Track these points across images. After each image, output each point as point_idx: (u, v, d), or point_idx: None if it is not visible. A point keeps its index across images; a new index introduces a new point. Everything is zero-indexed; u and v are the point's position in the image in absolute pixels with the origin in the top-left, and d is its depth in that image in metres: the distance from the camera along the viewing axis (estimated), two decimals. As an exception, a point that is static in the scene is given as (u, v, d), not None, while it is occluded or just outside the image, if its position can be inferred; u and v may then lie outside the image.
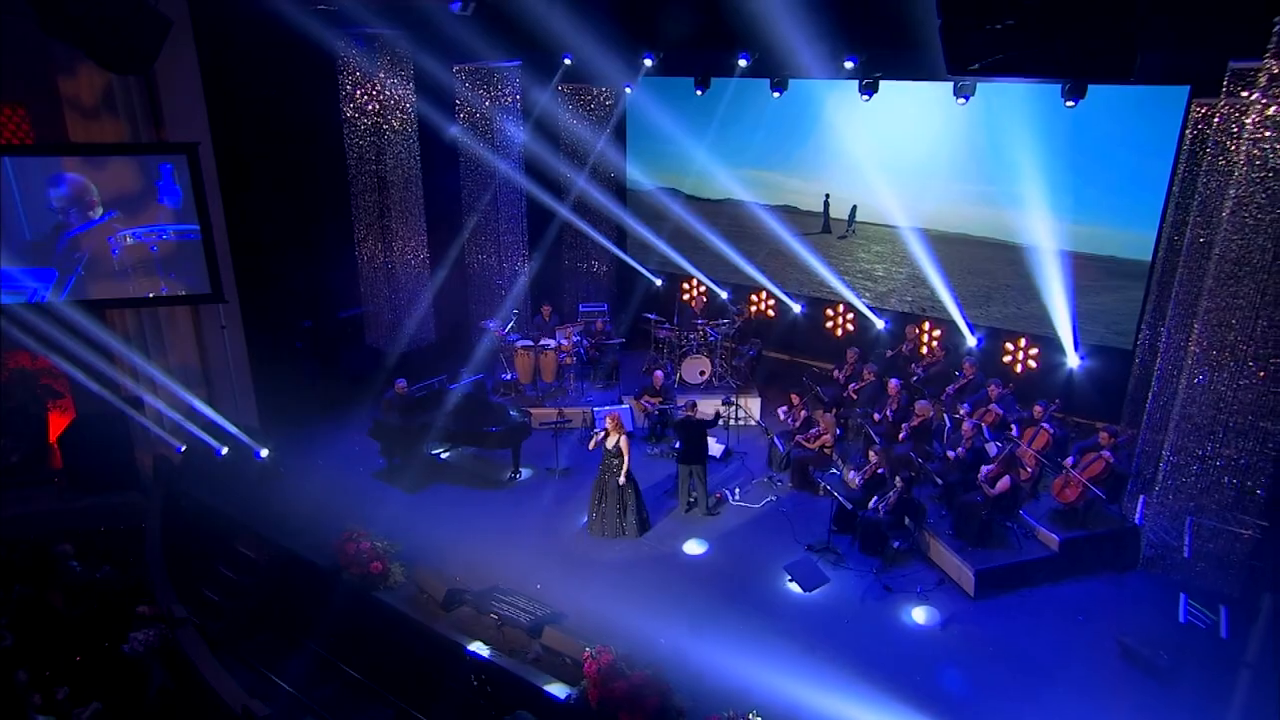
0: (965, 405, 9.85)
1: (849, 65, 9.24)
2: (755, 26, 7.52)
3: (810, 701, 6.67)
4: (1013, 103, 10.12)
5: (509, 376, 11.73)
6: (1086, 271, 10.34)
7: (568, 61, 11.23)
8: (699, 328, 11.85)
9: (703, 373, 11.68)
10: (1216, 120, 7.55)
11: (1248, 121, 6.51)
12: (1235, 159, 6.77)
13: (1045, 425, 9.18)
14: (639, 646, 7.08)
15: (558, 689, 6.89)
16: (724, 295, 13.08)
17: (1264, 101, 6.30)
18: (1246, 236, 6.63)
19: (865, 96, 10.40)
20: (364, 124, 11.26)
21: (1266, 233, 6.51)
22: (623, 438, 8.84)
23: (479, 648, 7.31)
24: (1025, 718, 6.74)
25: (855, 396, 10.72)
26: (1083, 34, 5.09)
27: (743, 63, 9.83)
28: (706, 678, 6.95)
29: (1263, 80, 6.25)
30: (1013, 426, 9.45)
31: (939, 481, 8.99)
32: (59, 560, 8.80)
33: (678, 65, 11.25)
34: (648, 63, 10.53)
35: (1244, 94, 6.59)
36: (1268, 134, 6.32)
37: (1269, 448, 7.01)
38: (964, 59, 5.46)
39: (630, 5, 9.44)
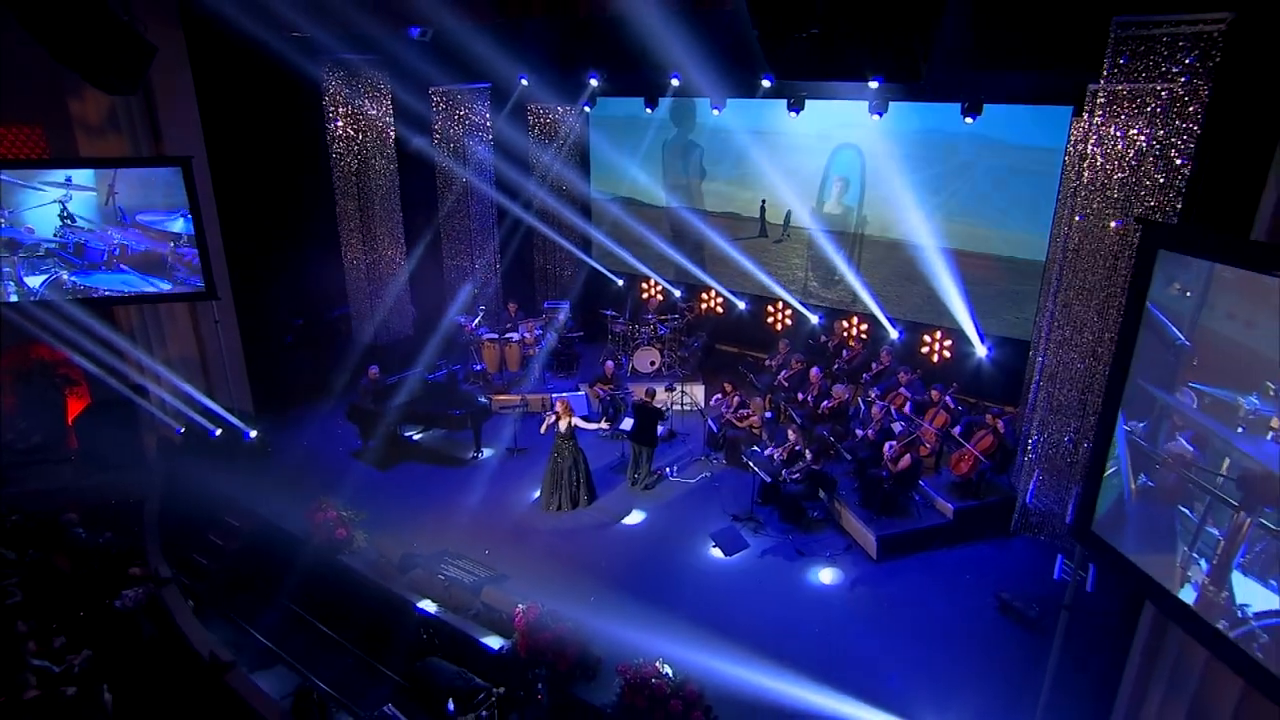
0: (876, 390, 10.04)
1: (766, 84, 9.39)
2: (673, 51, 7.69)
3: (718, 652, 6.84)
4: (936, 117, 10.20)
5: (479, 367, 11.95)
6: (1000, 272, 10.47)
7: (524, 82, 11.40)
8: (650, 322, 12.05)
9: (653, 363, 11.89)
10: (1079, 137, 7.71)
11: (1091, 138, 6.69)
12: (1083, 172, 6.94)
13: (945, 404, 9.38)
14: (570, 604, 7.26)
15: (493, 640, 7.09)
16: (677, 293, 13.29)
17: (1101, 121, 6.47)
18: (1093, 240, 6.82)
19: (793, 113, 10.59)
20: (345, 139, 11.47)
21: (1105, 235, 6.70)
22: (574, 420, 9.04)
23: (427, 605, 7.51)
24: (914, 662, 6.97)
25: (786, 384, 10.91)
26: (874, 42, 5.26)
27: (675, 82, 10.01)
28: (628, 631, 7.09)
29: (1100, 100, 6.42)
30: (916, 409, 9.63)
31: (849, 457, 9.19)
32: (66, 528, 9.05)
33: (622, 85, 11.41)
34: (593, 82, 10.70)
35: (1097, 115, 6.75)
36: (1097, 149, 6.50)
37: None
38: (783, 65, 5.64)
39: (564, 30, 9.58)
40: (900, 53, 5.26)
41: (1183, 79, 5.88)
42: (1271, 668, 3.60)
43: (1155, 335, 4.30)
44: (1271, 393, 3.57)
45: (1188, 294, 4.08)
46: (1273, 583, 3.66)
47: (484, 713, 5.74)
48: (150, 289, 9.68)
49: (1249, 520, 3.76)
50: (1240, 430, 3.78)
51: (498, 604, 7.45)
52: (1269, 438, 3.59)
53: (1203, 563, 4.13)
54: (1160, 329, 4.26)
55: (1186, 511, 4.22)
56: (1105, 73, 6.15)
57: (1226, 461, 3.89)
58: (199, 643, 6.96)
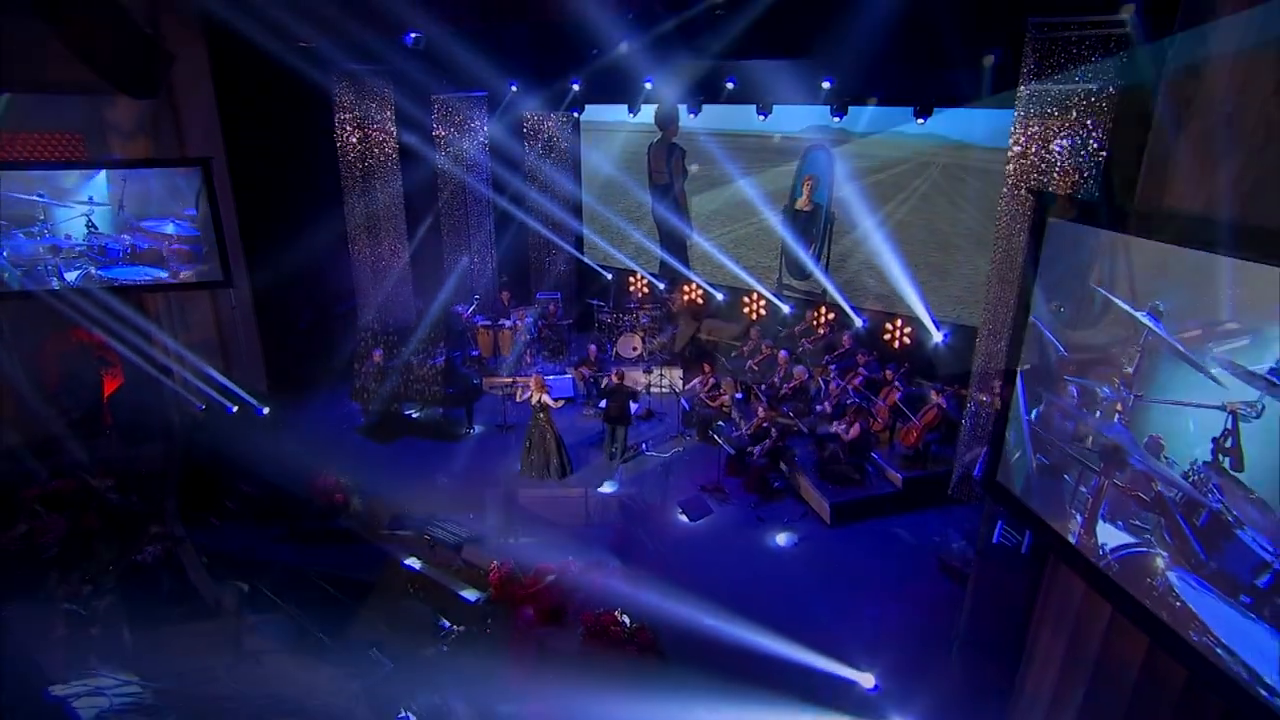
0: (835, 369, 10.21)
1: (730, 86, 9.54)
2: (640, 57, 7.87)
3: (678, 603, 7.06)
4: (900, 119, 10.21)
5: (475, 352, 12.21)
6: (958, 263, 10.56)
7: (514, 89, 11.60)
8: (633, 311, 12.27)
9: (635, 349, 12.11)
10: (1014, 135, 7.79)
11: (1020, 135, 6.80)
12: (1012, 166, 7.05)
13: (897, 383, 9.52)
14: (544, 562, 7.53)
15: (470, 593, 7.37)
16: (661, 286, 13.50)
17: (1028, 118, 6.58)
18: (1020, 229, 6.95)
19: (762, 116, 10.74)
20: (353, 143, 11.72)
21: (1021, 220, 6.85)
22: (545, 396, 9.28)
23: (413, 561, 7.81)
24: (857, 613, 7.20)
25: (756, 368, 11.10)
26: (771, 23, 5.38)
27: (648, 86, 10.18)
28: (596, 586, 7.36)
29: (1025, 97, 6.53)
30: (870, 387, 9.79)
31: (805, 431, 9.37)
32: (98, 492, 9.45)
33: (603, 91, 11.55)
34: (575, 88, 10.87)
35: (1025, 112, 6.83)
36: (1026, 145, 6.63)
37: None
38: (698, 45, 5.78)
39: (543, 38, 9.75)
40: (792, 34, 5.40)
41: (1094, 77, 5.99)
42: (1124, 585, 4.08)
43: (1040, 346, 4.74)
44: (1116, 384, 4.09)
45: (1062, 309, 4.57)
46: (1120, 523, 4.09)
47: (444, 647, 6.03)
48: (158, 278, 10.46)
49: (1106, 481, 4.19)
50: (1098, 414, 4.25)
51: (476, 561, 7.73)
52: (1115, 419, 4.09)
53: (1078, 517, 4.44)
54: (1046, 344, 4.70)
55: (1068, 479, 4.56)
56: (1023, 72, 6.27)
57: (1090, 438, 4.33)
58: (206, 592, 7.28)
